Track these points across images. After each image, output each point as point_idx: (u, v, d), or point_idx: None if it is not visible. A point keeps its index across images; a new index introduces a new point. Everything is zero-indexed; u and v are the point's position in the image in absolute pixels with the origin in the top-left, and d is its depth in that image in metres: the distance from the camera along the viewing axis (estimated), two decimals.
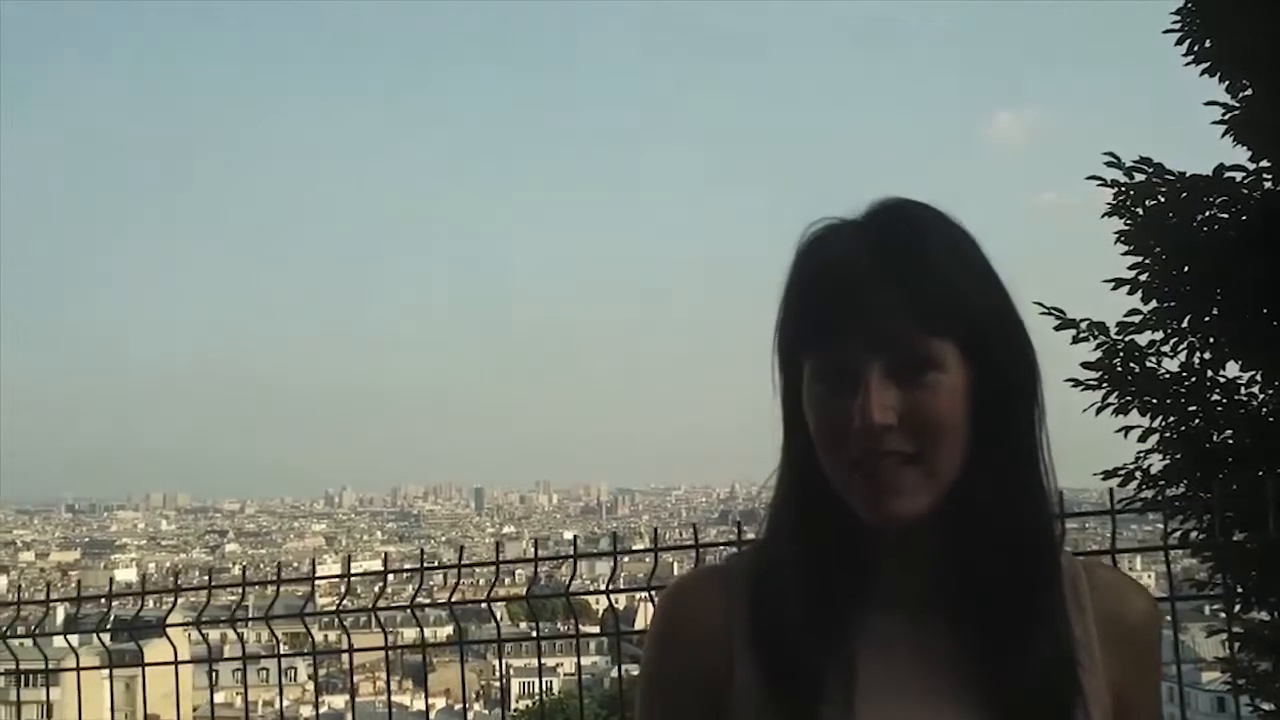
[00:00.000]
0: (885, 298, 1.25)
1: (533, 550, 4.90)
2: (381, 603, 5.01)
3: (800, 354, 1.31)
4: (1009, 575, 1.30)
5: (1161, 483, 7.88)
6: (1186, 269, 8.16)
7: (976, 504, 1.30)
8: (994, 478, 1.30)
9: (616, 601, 4.89)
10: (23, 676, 5.55)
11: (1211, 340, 8.10)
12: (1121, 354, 8.17)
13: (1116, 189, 8.28)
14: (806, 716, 1.28)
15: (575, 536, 5.22)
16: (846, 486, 1.29)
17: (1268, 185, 8.20)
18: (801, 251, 1.35)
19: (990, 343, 1.29)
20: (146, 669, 5.33)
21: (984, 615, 1.31)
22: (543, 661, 5.49)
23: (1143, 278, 8.22)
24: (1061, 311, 8.24)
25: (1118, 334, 8.22)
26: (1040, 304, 7.78)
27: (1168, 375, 8.15)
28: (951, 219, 1.34)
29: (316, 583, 5.36)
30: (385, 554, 5.66)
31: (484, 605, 5.12)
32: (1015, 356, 1.32)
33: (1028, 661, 1.29)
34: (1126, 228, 8.31)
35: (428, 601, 5.05)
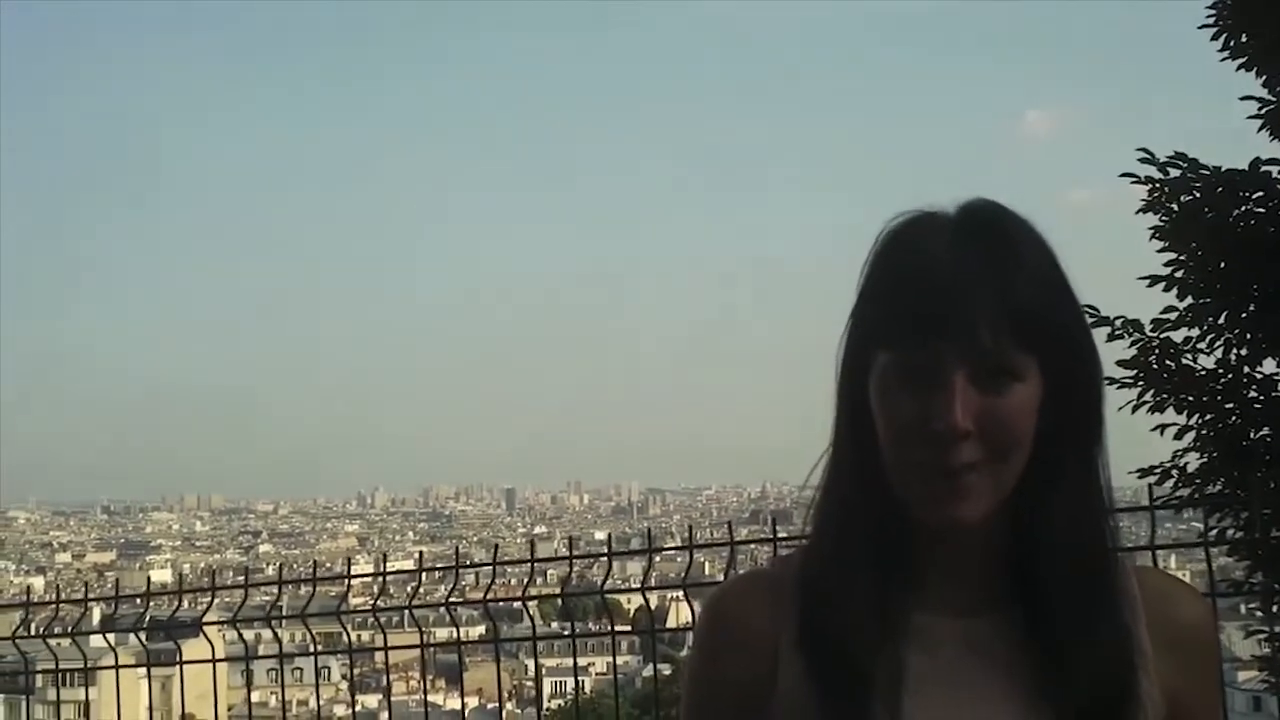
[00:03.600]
0: (985, 306, 1.23)
1: (565, 549, 4.90)
2: (416, 601, 5.02)
3: (880, 345, 1.29)
4: (1069, 581, 1.30)
5: (1198, 481, 7.82)
6: (1223, 265, 8.10)
7: (1039, 515, 1.30)
8: (1057, 491, 1.30)
9: (650, 600, 4.88)
10: (61, 675, 5.58)
11: (1248, 336, 8.03)
12: (1157, 351, 8.12)
13: (1150, 185, 8.22)
14: (856, 716, 1.28)
15: (610, 534, 5.21)
16: (908, 485, 1.28)
17: None
18: (894, 238, 1.33)
19: (1068, 360, 1.29)
20: (183, 668, 5.36)
21: (1041, 620, 1.30)
22: (576, 661, 5.49)
23: (1178, 274, 8.16)
24: (1095, 309, 8.19)
25: (1153, 331, 8.17)
26: None
27: (1204, 372, 8.09)
28: (1037, 228, 1.33)
29: (349, 583, 5.38)
30: (420, 553, 5.68)
31: (518, 604, 5.13)
32: (1088, 375, 1.33)
33: (1086, 665, 1.28)
34: (1161, 224, 8.25)
35: (462, 600, 5.06)
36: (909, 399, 1.26)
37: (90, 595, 5.86)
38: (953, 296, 1.24)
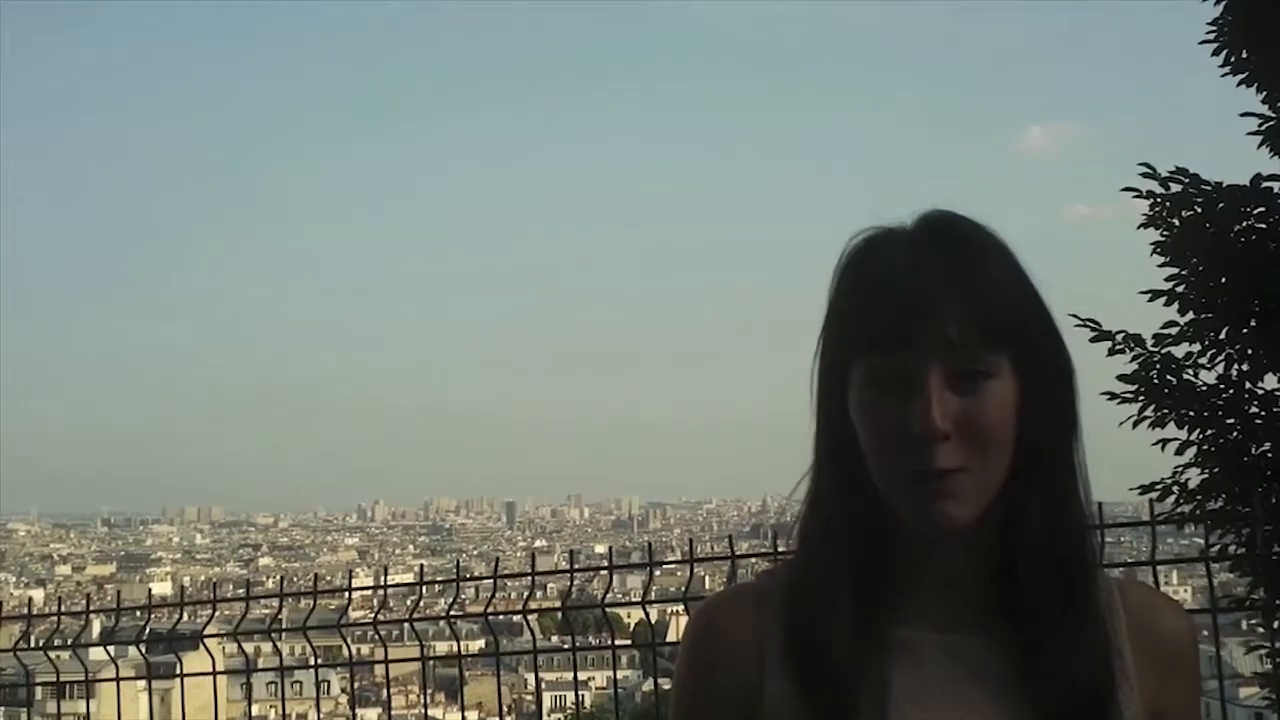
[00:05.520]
0: (950, 305, 1.26)
1: (566, 563, 4.89)
2: (416, 615, 5.00)
3: (854, 357, 1.31)
4: (1050, 588, 1.31)
5: (1199, 497, 7.80)
6: (1224, 280, 8.09)
7: (1019, 516, 1.31)
8: (1036, 491, 1.32)
9: (650, 614, 4.87)
10: (61, 688, 5.57)
11: (1250, 352, 8.02)
12: (1158, 366, 8.10)
13: (1152, 200, 8.23)
14: None
15: (610, 548, 5.20)
16: (895, 493, 1.29)
17: None
18: (855, 255, 1.36)
19: (1039, 356, 1.31)
20: (183, 681, 5.35)
21: (1023, 627, 1.31)
22: (576, 675, 5.47)
23: (1179, 289, 8.16)
24: (1097, 324, 8.19)
25: (1154, 346, 8.16)
26: (1075, 316, 7.72)
27: (1205, 388, 8.08)
28: (996, 232, 1.35)
29: (349, 596, 5.37)
30: (420, 566, 5.66)
31: (518, 617, 5.11)
32: (1059, 370, 1.34)
33: (1066, 675, 1.29)
34: (1163, 239, 8.25)
35: (462, 613, 5.04)
36: (887, 408, 1.27)
37: (91, 607, 5.85)
38: (918, 302, 1.26)
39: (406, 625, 5.14)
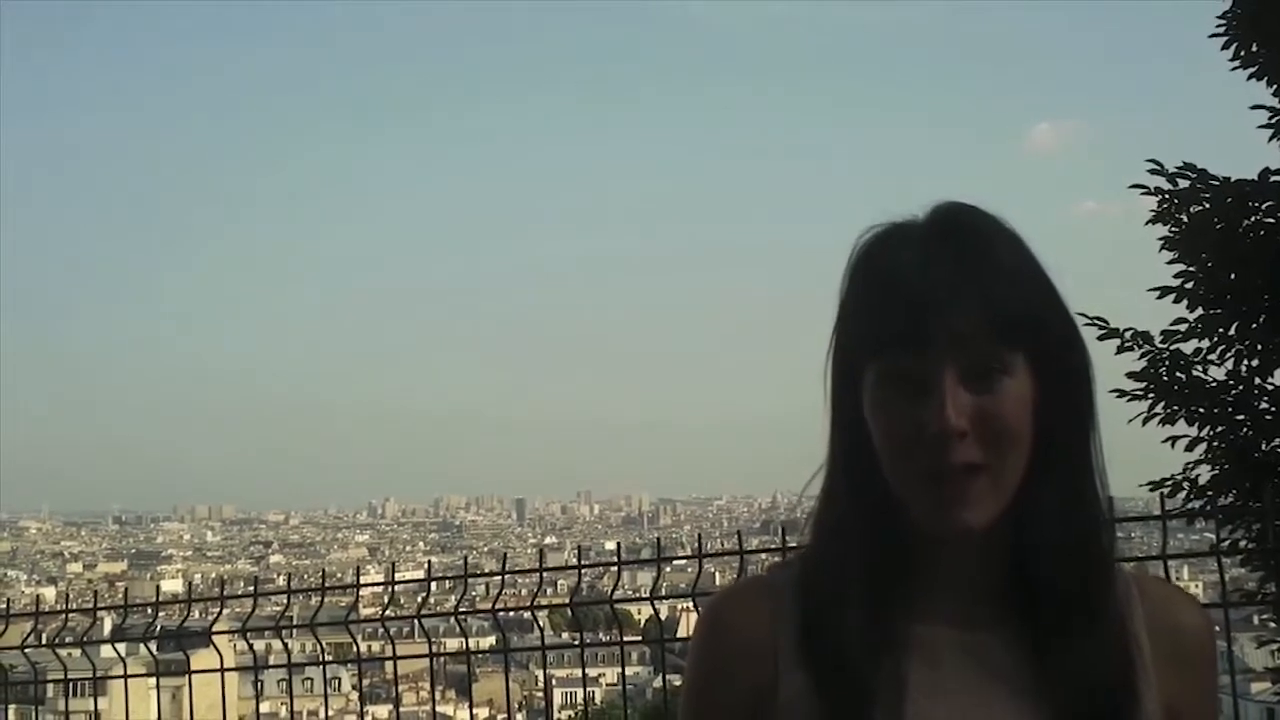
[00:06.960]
0: (963, 303, 1.24)
1: (575, 559, 4.88)
2: (425, 611, 5.01)
3: (867, 357, 1.29)
4: (1067, 585, 1.30)
5: (1210, 493, 7.78)
6: (1233, 276, 8.08)
7: (1036, 514, 1.30)
8: (1053, 488, 1.30)
9: (659, 610, 4.87)
10: (71, 685, 5.58)
11: (1259, 348, 8.01)
12: (1167, 363, 8.09)
13: (1160, 196, 8.21)
14: None
15: (619, 544, 5.19)
16: (912, 494, 1.28)
17: None
18: (866, 253, 1.34)
19: (1055, 352, 1.29)
20: (193, 678, 5.36)
21: (1040, 624, 1.30)
22: (585, 671, 5.47)
23: (1188, 285, 8.14)
24: (1105, 321, 8.18)
25: (1163, 343, 8.14)
26: (1084, 314, 7.70)
27: (1214, 384, 8.07)
28: (1009, 224, 1.33)
29: (358, 593, 5.37)
30: (429, 563, 5.66)
31: (527, 614, 5.12)
32: (1076, 365, 1.33)
33: (1085, 672, 1.28)
34: (1171, 235, 8.24)
35: (471, 610, 5.04)
36: (902, 408, 1.26)
37: (100, 605, 5.86)
38: (930, 301, 1.24)
39: (416, 622, 5.15)
